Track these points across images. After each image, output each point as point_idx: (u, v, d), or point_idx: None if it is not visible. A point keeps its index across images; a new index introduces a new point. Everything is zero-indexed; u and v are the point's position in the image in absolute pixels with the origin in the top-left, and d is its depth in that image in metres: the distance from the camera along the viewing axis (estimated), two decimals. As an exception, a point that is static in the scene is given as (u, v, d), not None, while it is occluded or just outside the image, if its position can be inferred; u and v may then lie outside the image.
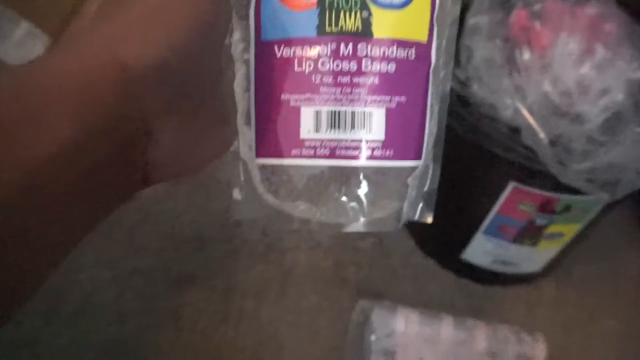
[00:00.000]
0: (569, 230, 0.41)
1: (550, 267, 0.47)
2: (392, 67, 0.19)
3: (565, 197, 0.37)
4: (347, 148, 0.19)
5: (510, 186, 0.38)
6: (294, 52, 0.19)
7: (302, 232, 0.50)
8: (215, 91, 0.19)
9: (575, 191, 0.34)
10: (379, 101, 0.19)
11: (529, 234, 0.41)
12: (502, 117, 0.33)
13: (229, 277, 0.48)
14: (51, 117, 0.14)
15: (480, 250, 0.45)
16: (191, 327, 0.45)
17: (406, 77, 0.19)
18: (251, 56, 0.19)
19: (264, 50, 0.19)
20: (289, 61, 0.19)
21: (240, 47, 0.19)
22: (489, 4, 0.42)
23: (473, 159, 0.39)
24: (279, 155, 0.19)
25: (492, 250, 0.44)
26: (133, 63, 0.16)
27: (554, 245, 0.43)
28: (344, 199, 0.20)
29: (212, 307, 0.46)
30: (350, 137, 0.19)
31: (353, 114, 0.19)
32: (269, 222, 0.20)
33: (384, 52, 0.19)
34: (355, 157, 0.19)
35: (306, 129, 0.19)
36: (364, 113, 0.19)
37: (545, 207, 0.38)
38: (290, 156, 0.19)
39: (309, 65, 0.19)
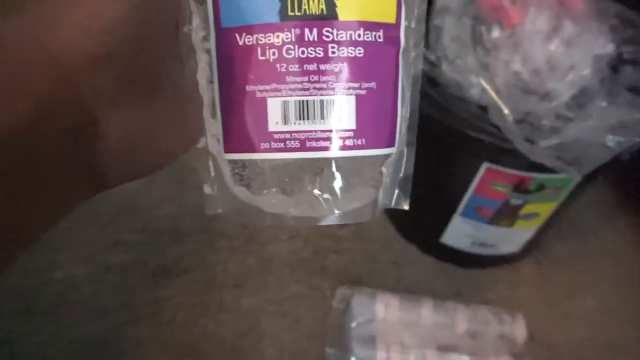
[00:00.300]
0: (544, 209, 0.41)
1: (529, 248, 0.47)
2: (360, 51, 0.18)
3: (538, 176, 0.37)
4: (317, 139, 0.18)
5: (484, 167, 0.38)
6: (257, 40, 0.18)
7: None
8: (172, 80, 0.18)
9: (547, 169, 0.34)
10: (349, 88, 0.18)
11: (505, 215, 0.41)
12: (471, 96, 0.32)
13: (207, 270, 0.48)
14: None
15: (459, 233, 0.45)
16: (170, 320, 0.45)
17: (375, 61, 0.18)
18: (212, 45, 0.18)
19: (224, 38, 0.18)
20: (251, 49, 0.18)
21: (200, 34, 0.18)
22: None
23: (445, 141, 0.39)
24: (248, 149, 0.18)
25: (470, 233, 0.44)
26: (63, 50, 0.15)
27: (531, 226, 0.43)
28: (317, 191, 0.19)
29: (191, 300, 0.46)
30: (320, 128, 0.18)
31: (322, 103, 0.18)
32: (242, 218, 0.20)
33: (350, 36, 0.18)
34: (327, 148, 0.18)
35: (274, 121, 0.18)
36: (334, 101, 0.18)
37: (519, 187, 0.38)
38: (259, 150, 0.18)
39: (273, 53, 0.17)
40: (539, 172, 0.36)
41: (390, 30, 0.18)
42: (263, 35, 0.17)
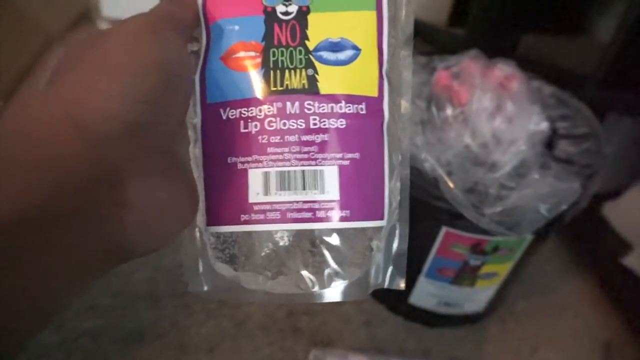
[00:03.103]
0: (501, 269, 0.44)
1: (492, 306, 0.50)
2: (342, 122, 0.18)
3: (491, 239, 0.40)
4: (300, 210, 0.18)
5: (443, 230, 0.41)
6: (240, 114, 0.18)
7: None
8: (182, 149, 0.19)
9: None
10: (330, 159, 0.18)
11: (466, 275, 0.44)
12: (424, 169, 0.36)
13: (181, 333, 0.48)
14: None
15: (425, 293, 0.47)
16: (143, 387, 0.44)
17: (358, 132, 0.18)
18: (198, 119, 0.19)
19: (209, 113, 0.18)
20: (234, 123, 0.18)
21: (190, 111, 0.19)
22: (413, 67, 0.47)
23: (409, 207, 0.42)
24: (228, 222, 0.18)
25: (435, 293, 0.46)
26: (92, 120, 0.15)
27: (491, 285, 0.46)
28: (303, 269, 0.18)
29: (165, 365, 0.46)
30: (302, 199, 0.18)
31: (304, 173, 0.18)
32: (225, 295, 0.19)
33: (332, 108, 0.18)
34: (310, 220, 0.18)
35: (254, 192, 0.18)
36: (315, 172, 0.18)
37: (476, 248, 0.41)
38: (239, 222, 0.18)
39: (255, 126, 0.18)
40: (492, 235, 0.39)
41: (373, 103, 0.19)
42: (246, 109, 0.18)
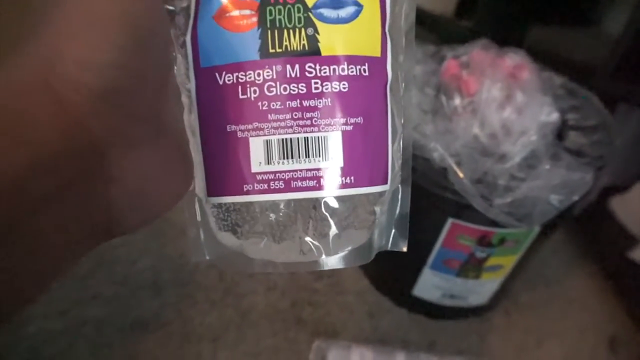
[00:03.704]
0: (507, 261, 0.44)
1: (497, 299, 0.49)
2: (344, 85, 0.17)
3: (498, 230, 0.39)
4: (303, 179, 0.17)
5: (449, 221, 0.41)
6: (237, 78, 0.17)
7: (259, 274, 0.51)
8: (171, 118, 0.17)
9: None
10: (334, 124, 0.17)
11: (472, 267, 0.44)
12: (433, 158, 0.35)
13: (185, 323, 0.48)
14: None
15: (429, 285, 0.47)
16: (146, 376, 0.44)
17: (361, 95, 0.17)
18: (192, 85, 0.18)
19: (204, 77, 0.17)
20: (232, 88, 0.17)
21: (183, 76, 0.18)
22: (422, 55, 0.46)
23: (414, 198, 0.42)
24: (230, 192, 0.18)
25: (440, 285, 0.46)
26: (70, 88, 0.13)
27: (496, 277, 0.46)
28: (307, 235, 0.18)
29: (169, 354, 0.46)
30: (306, 167, 0.17)
31: (306, 140, 0.17)
32: (228, 265, 0.19)
33: (334, 70, 0.17)
34: (313, 188, 0.17)
35: (257, 162, 0.17)
36: (319, 138, 0.17)
37: (483, 240, 0.41)
38: (242, 193, 0.17)
39: (254, 92, 0.17)
40: (499, 226, 0.39)
41: (376, 63, 0.18)
42: (243, 73, 0.17)
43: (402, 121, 0.19)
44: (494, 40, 0.46)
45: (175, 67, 0.18)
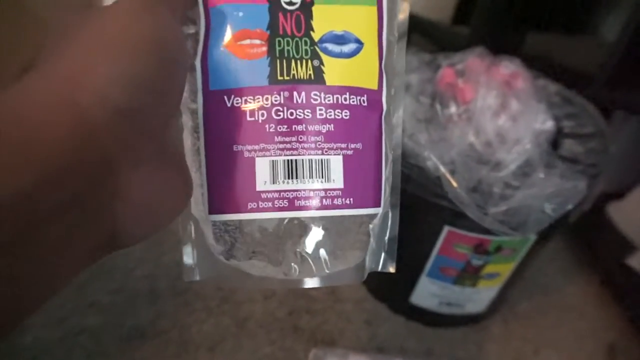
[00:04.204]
0: (504, 269, 0.44)
1: (494, 307, 0.49)
2: (346, 113, 0.18)
3: (495, 238, 0.39)
4: (306, 198, 0.18)
5: (445, 230, 0.41)
6: (246, 101, 0.18)
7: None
8: (174, 136, 0.18)
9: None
10: (336, 148, 0.18)
11: (468, 275, 0.44)
12: (427, 167, 0.36)
13: (182, 331, 0.48)
14: None
15: (426, 293, 0.47)
16: (143, 385, 0.44)
17: (360, 123, 0.19)
18: (199, 106, 0.18)
19: (213, 100, 0.18)
20: (240, 110, 0.18)
21: (186, 98, 0.19)
22: (417, 63, 0.47)
23: (410, 206, 0.42)
24: (235, 210, 0.18)
25: (437, 292, 0.46)
26: (93, 105, 0.14)
27: (493, 285, 0.46)
28: (304, 252, 0.19)
29: (165, 363, 0.46)
30: (308, 187, 0.18)
31: (311, 162, 0.18)
32: (225, 282, 0.19)
33: (337, 99, 0.18)
34: (315, 207, 0.18)
35: (262, 181, 0.18)
36: (322, 161, 0.18)
37: (479, 248, 0.41)
38: (246, 210, 0.18)
39: (262, 115, 0.18)
40: (495, 234, 0.39)
41: (374, 95, 0.19)
42: (252, 97, 0.18)
43: (392, 148, 0.21)
44: (491, 46, 0.46)
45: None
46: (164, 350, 0.46)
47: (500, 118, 0.39)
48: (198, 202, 0.19)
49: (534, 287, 0.55)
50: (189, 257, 0.20)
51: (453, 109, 0.41)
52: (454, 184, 0.33)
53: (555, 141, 0.40)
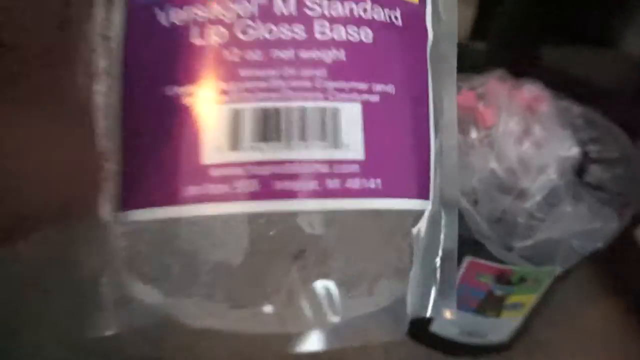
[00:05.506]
0: (527, 299, 0.42)
1: (518, 337, 0.48)
2: (367, 34, 0.11)
3: (518, 269, 0.38)
4: (295, 177, 0.10)
5: (467, 259, 0.39)
6: (193, 15, 0.11)
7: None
8: (74, 79, 0.12)
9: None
10: (350, 90, 0.11)
11: (490, 305, 0.42)
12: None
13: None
14: None
15: (447, 321, 0.45)
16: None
17: (392, 53, 0.12)
18: (117, 30, 0.12)
19: (139, 17, 0.11)
20: (183, 30, 0.11)
21: (100, 22, 0.12)
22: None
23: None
24: (164, 201, 0.10)
25: (458, 322, 0.45)
26: None
27: (517, 315, 0.44)
28: (292, 284, 0.11)
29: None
30: (299, 157, 0.10)
31: (304, 112, 0.10)
32: (146, 339, 0.11)
33: (351, 10, 0.11)
34: (311, 195, 0.10)
35: (213, 146, 0.10)
36: (325, 111, 0.11)
37: (501, 279, 0.40)
38: (181, 201, 0.10)
39: (220, 34, 0.11)
40: (519, 265, 0.37)
41: (413, 12, 0.12)
42: (203, 6, 0.11)
43: (444, 106, 0.13)
44: (510, 61, 0.45)
45: (88, 24, 0.12)
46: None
47: (524, 144, 0.38)
48: (107, 194, 0.11)
49: (557, 312, 0.53)
50: (92, 292, 0.11)
51: (474, 134, 0.40)
52: (477, 217, 0.31)
53: (581, 167, 0.39)
